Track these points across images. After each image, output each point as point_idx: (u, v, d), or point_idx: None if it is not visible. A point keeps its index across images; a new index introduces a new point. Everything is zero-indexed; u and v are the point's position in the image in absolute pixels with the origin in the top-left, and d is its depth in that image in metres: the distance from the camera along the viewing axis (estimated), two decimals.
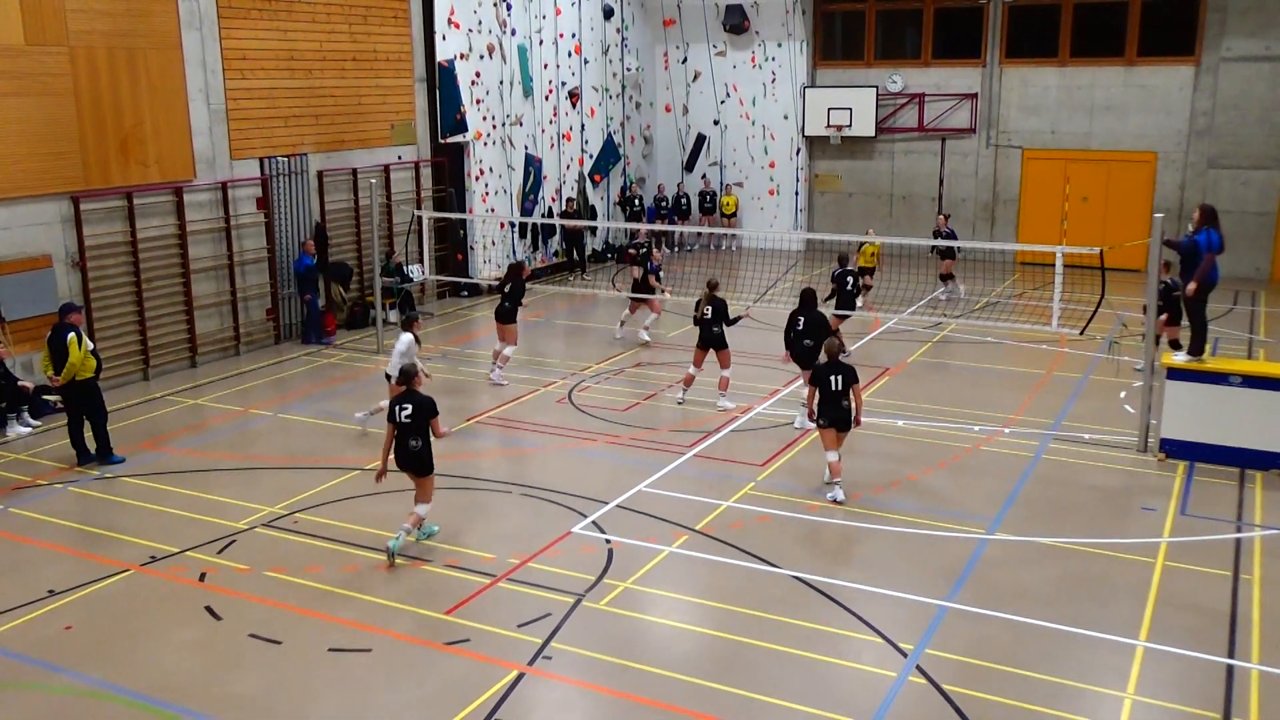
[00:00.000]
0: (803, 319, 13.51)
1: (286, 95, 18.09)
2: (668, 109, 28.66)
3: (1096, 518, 10.94)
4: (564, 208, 24.97)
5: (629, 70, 27.16)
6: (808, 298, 13.66)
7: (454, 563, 9.96)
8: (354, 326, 19.26)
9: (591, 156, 26.19)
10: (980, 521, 10.85)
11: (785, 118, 27.40)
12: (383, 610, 9.07)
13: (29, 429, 13.85)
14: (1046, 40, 24.71)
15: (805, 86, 26.89)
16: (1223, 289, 14.80)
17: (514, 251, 23.48)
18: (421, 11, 20.68)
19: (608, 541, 10.38)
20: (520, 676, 8.06)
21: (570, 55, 25.01)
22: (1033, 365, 16.64)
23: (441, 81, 21.05)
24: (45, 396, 14.04)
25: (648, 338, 18.00)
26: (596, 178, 26.44)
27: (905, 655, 8.33)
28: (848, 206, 27.26)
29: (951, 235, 20.90)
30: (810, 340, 13.22)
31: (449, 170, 21.78)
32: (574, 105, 25.34)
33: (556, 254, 24.90)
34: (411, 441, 9.96)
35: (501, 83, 22.81)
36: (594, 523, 10.82)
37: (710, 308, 14.39)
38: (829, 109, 26.37)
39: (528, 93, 23.66)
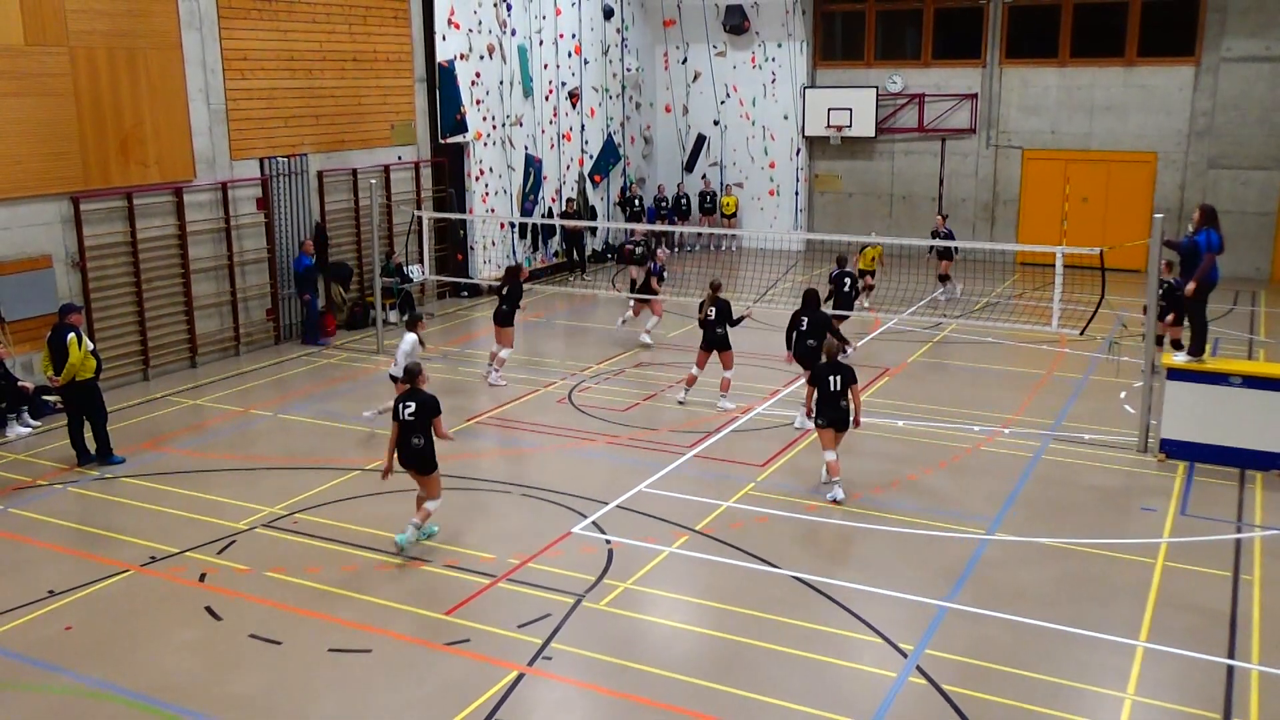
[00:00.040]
0: (806, 319, 13.53)
1: (286, 95, 18.09)
2: (668, 109, 28.65)
3: (1096, 518, 10.94)
4: (564, 208, 24.96)
5: (629, 70, 27.15)
6: (811, 298, 13.67)
7: (454, 563, 9.96)
8: (354, 327, 19.25)
9: (591, 157, 26.18)
10: (980, 522, 10.85)
11: (785, 118, 27.39)
12: (383, 610, 9.07)
13: (29, 429, 13.85)
14: (1046, 40, 24.70)
15: (805, 87, 26.88)
16: (1223, 289, 14.80)
17: (514, 252, 23.48)
18: (421, 12, 20.68)
19: (608, 542, 10.38)
20: (520, 677, 8.06)
21: (570, 55, 25.00)
22: (1033, 365, 16.64)
23: (441, 82, 21.05)
24: (45, 397, 14.05)
25: (649, 340, 17.99)
26: (596, 178, 26.43)
27: (905, 655, 8.33)
28: (848, 207, 27.25)
29: (949, 235, 20.90)
30: (814, 341, 13.24)
31: (449, 170, 21.78)
32: (574, 105, 25.33)
33: (556, 254, 24.89)
34: (414, 439, 9.99)
35: (501, 83, 22.81)
36: (594, 523, 10.82)
37: (713, 309, 14.40)
38: (829, 109, 26.35)
39: (528, 93, 23.65)
